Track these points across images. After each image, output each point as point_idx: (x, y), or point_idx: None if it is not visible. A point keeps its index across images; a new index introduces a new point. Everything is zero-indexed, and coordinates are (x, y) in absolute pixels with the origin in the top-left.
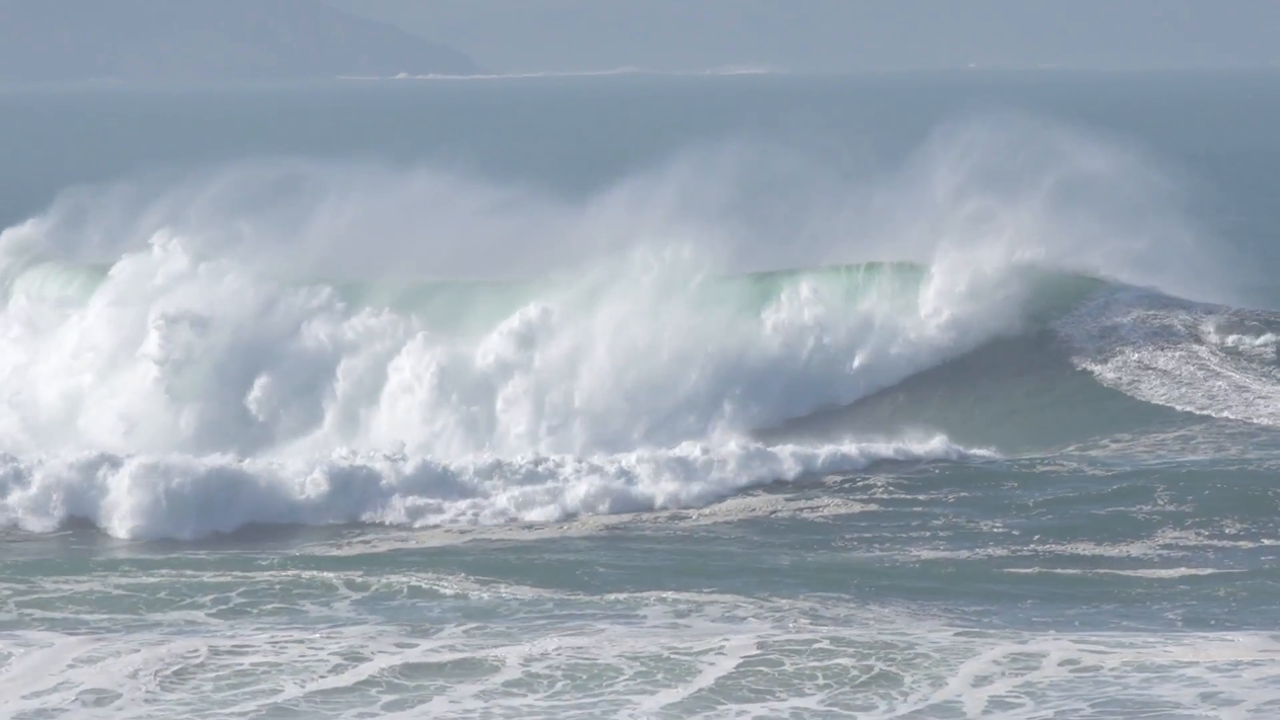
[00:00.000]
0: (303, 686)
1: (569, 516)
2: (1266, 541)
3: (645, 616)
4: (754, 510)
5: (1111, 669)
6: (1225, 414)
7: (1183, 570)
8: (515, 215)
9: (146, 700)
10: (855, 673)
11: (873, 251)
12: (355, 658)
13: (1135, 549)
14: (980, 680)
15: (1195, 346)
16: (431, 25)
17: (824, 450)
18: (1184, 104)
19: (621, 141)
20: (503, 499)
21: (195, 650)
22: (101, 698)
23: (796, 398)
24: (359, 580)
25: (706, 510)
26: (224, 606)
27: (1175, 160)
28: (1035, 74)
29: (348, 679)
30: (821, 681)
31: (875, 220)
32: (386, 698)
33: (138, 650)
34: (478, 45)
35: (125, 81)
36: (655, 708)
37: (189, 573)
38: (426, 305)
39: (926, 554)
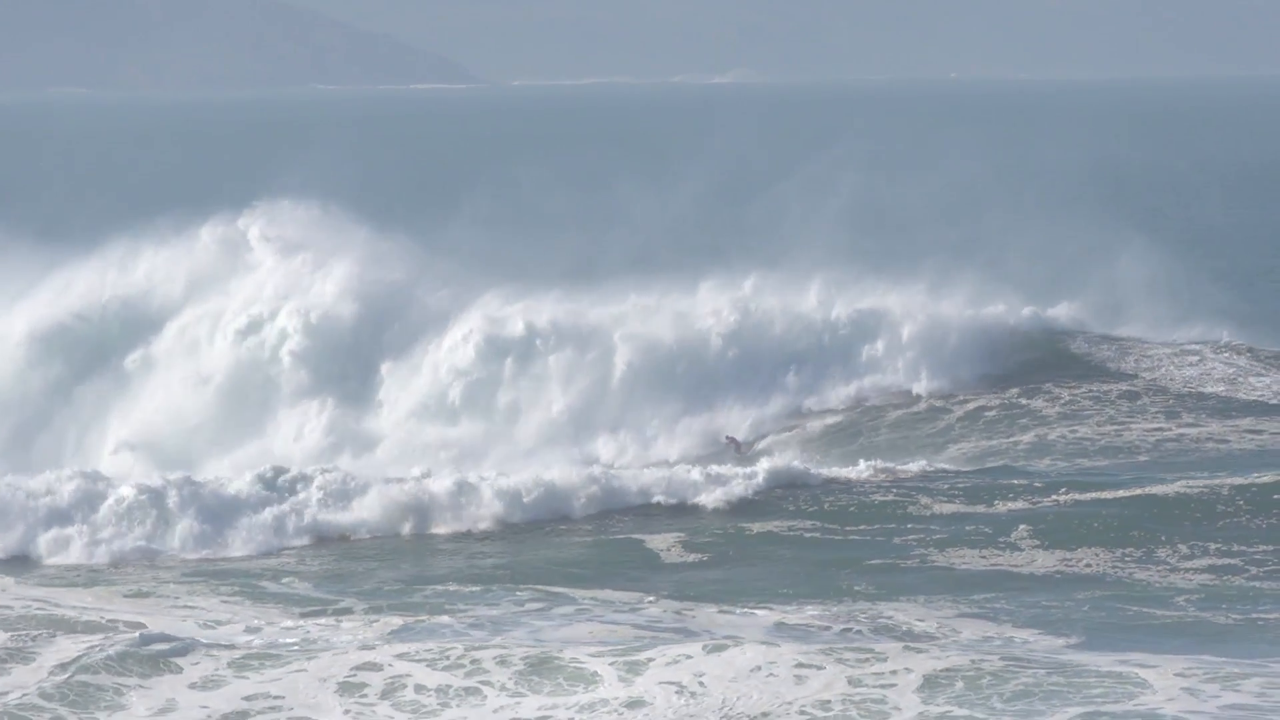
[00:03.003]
0: (278, 628)
1: (563, 516)
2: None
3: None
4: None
5: (1016, 631)
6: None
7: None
8: None
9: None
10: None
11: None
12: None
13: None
14: (900, 632)
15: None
16: (426, 35)
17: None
18: (1177, 113)
19: (575, 151)
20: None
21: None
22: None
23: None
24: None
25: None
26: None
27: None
28: (1020, 84)
29: (323, 622)
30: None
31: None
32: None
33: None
34: (472, 54)
35: (122, 91)
36: (606, 651)
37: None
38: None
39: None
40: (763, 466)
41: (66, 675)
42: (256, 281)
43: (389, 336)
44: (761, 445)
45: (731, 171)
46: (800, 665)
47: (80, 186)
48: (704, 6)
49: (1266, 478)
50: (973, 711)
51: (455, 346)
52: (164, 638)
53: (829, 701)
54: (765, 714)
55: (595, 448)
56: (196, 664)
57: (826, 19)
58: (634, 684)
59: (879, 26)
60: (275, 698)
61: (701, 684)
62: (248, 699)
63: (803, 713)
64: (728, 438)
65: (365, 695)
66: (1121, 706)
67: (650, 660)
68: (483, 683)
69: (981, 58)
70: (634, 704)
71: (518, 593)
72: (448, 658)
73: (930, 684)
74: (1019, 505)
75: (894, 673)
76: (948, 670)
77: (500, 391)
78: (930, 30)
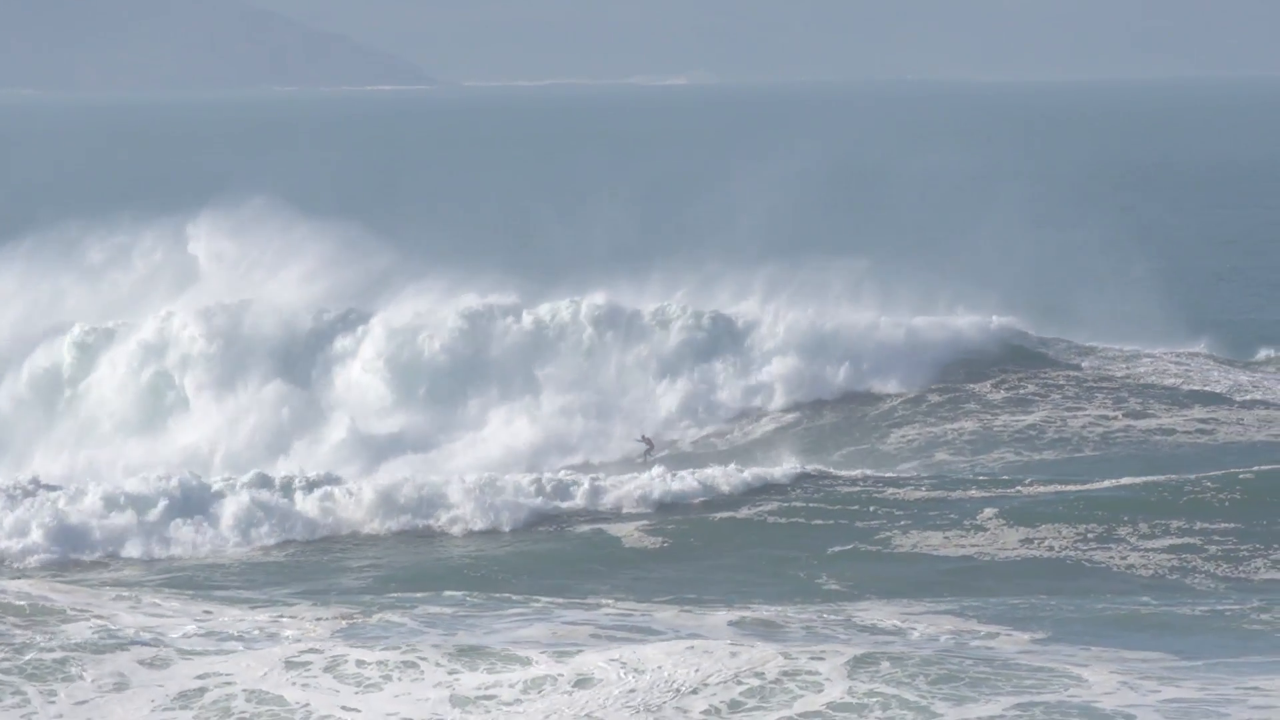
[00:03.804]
0: (228, 618)
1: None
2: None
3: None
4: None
5: (982, 626)
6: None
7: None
8: None
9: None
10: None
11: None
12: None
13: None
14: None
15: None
16: (382, 36)
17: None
18: (1136, 114)
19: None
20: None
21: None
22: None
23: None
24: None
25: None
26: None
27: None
28: (978, 86)
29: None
30: None
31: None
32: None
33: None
34: (427, 56)
35: (76, 93)
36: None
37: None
38: None
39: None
40: (721, 468)
41: (26, 657)
42: (194, 289)
43: (312, 342)
44: (698, 445)
45: (679, 172)
46: (734, 643)
47: (29, 188)
48: (661, 8)
49: (1243, 472)
50: (900, 691)
51: (374, 353)
52: (116, 626)
53: (764, 672)
54: (705, 683)
55: (519, 452)
56: (149, 648)
57: (784, 21)
58: (570, 662)
59: (837, 29)
60: (225, 674)
61: (640, 660)
62: (200, 677)
63: (740, 681)
64: (642, 436)
65: (310, 669)
66: (1056, 696)
67: (580, 649)
68: (420, 658)
69: (940, 60)
70: (582, 681)
71: (472, 595)
72: (383, 641)
73: (859, 663)
74: (984, 494)
75: (823, 652)
76: (875, 653)
77: (421, 396)
78: (889, 32)
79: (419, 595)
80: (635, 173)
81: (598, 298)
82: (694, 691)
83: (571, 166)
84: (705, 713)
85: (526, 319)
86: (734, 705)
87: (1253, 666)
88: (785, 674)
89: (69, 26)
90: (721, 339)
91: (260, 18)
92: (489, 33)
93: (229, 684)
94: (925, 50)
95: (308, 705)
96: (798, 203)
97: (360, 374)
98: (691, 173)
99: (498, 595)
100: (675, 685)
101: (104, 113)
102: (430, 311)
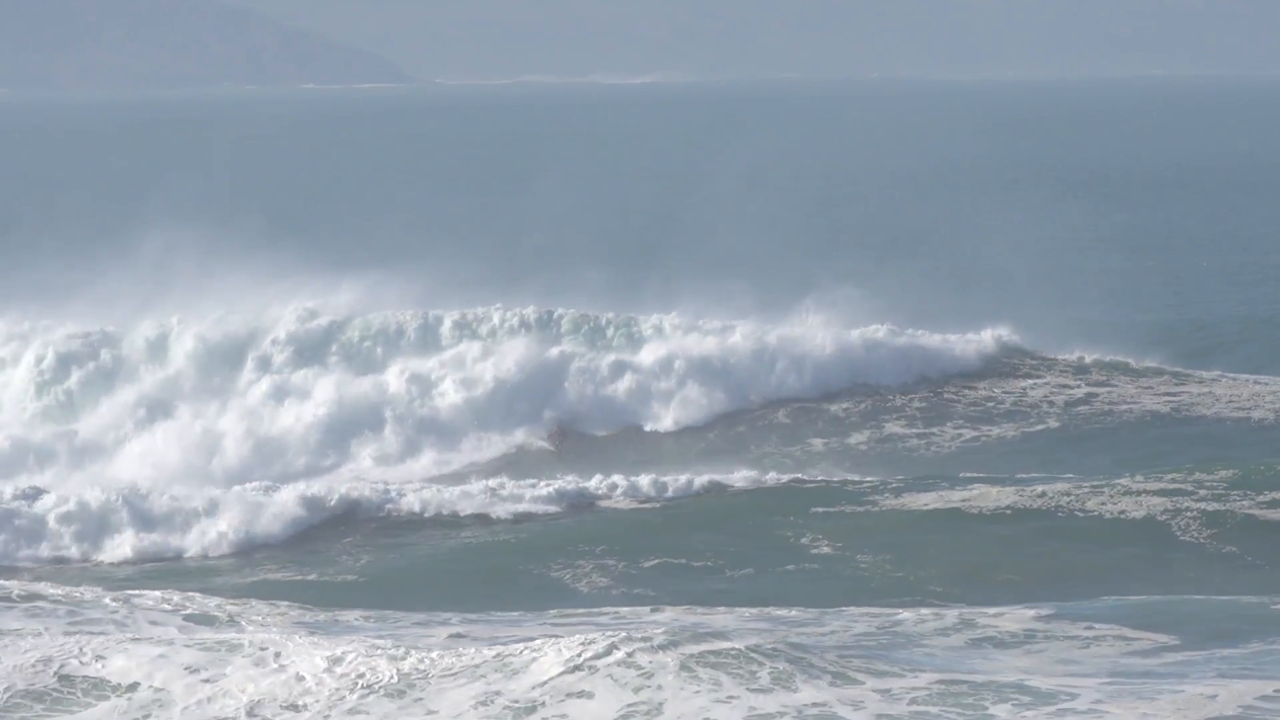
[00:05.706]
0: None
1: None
2: None
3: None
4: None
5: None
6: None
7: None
8: None
9: None
10: None
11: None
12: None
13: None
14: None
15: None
16: (361, 34)
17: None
18: (1100, 113)
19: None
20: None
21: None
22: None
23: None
24: None
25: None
26: None
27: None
28: (944, 85)
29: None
30: None
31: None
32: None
33: None
34: (402, 54)
35: (54, 92)
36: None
37: None
38: None
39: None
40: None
41: None
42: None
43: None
44: (632, 439)
45: (645, 170)
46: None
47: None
48: (632, 7)
49: (1226, 470)
50: (807, 655)
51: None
52: (53, 598)
53: (679, 621)
54: (623, 636)
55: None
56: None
57: (754, 19)
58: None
59: (808, 27)
60: (167, 629)
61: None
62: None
63: (669, 633)
64: (558, 426)
65: (240, 623)
66: (986, 677)
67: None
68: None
69: (911, 58)
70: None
71: (431, 612)
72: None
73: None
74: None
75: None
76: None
77: (306, 397)
78: (860, 31)
79: (389, 598)
80: (601, 170)
81: (527, 307)
82: (608, 638)
83: (535, 164)
84: (621, 641)
85: (446, 322)
86: (647, 638)
87: (1254, 657)
88: (697, 625)
89: (45, 26)
90: (643, 341)
91: (236, 15)
92: (463, 30)
93: (172, 635)
94: (895, 48)
95: (250, 639)
96: (760, 202)
97: (263, 392)
98: (658, 171)
99: (497, 613)
100: (592, 638)
101: (81, 111)
102: (342, 313)
